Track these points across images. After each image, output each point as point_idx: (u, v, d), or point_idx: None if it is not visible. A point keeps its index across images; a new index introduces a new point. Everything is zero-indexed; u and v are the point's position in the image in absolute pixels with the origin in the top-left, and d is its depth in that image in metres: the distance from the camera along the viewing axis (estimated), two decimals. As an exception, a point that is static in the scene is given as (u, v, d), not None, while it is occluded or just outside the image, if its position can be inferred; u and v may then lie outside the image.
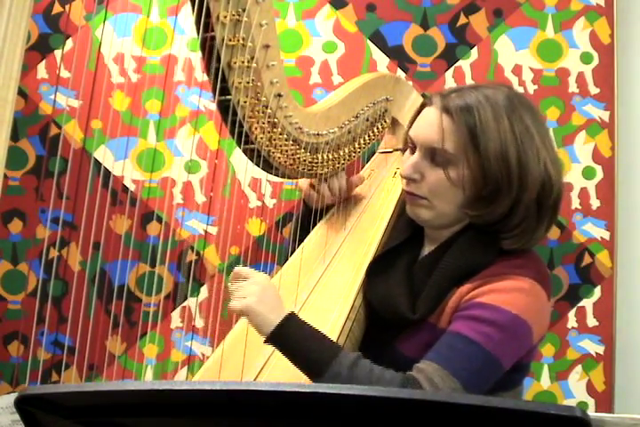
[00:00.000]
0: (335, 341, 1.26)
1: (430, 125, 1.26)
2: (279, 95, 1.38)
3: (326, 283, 1.45)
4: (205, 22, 1.24)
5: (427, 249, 1.36)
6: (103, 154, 2.07)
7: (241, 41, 1.28)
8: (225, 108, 1.33)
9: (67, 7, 2.09)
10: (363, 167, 1.82)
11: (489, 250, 1.26)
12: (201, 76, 2.07)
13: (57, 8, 2.09)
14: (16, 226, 2.07)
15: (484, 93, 1.25)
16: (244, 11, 1.27)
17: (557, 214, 1.29)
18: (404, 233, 1.40)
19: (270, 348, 1.30)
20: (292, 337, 1.17)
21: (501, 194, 1.22)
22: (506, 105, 1.24)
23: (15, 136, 2.07)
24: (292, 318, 1.19)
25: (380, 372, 1.15)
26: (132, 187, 2.08)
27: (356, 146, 1.64)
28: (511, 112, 1.23)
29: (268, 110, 1.37)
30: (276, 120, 1.40)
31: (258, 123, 1.37)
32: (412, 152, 1.30)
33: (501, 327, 1.17)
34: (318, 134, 1.50)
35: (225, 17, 1.25)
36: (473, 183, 1.24)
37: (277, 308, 1.20)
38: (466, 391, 1.11)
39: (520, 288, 1.21)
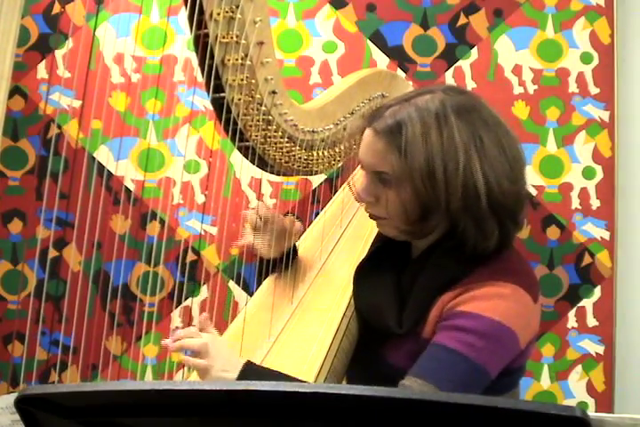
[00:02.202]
0: (332, 338, 1.26)
1: (367, 149, 1.25)
2: (274, 92, 1.37)
3: (323, 280, 1.45)
4: (198, 19, 1.23)
5: (414, 253, 1.35)
6: (102, 154, 2.07)
7: (234, 38, 1.27)
8: (219, 106, 1.33)
9: (67, 7, 2.09)
10: (358, 164, 1.82)
11: (466, 259, 1.24)
12: (201, 75, 2.07)
13: (57, 8, 2.09)
14: (16, 226, 2.07)
15: (416, 104, 1.22)
16: (237, 8, 1.26)
17: (519, 211, 1.25)
18: (382, 238, 1.38)
19: (265, 348, 1.30)
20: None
21: (432, 208, 1.21)
22: (437, 114, 1.21)
23: (15, 136, 2.07)
24: (247, 369, 1.16)
25: None
26: (131, 187, 2.08)
27: (352, 142, 1.64)
28: (442, 121, 1.20)
29: (263, 108, 1.37)
30: (270, 117, 1.39)
31: (252, 120, 1.36)
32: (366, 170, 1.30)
33: (483, 335, 1.15)
34: (314, 131, 1.50)
35: (218, 14, 1.24)
36: (411, 201, 1.22)
37: (228, 365, 1.17)
38: None
39: (501, 294, 1.19)
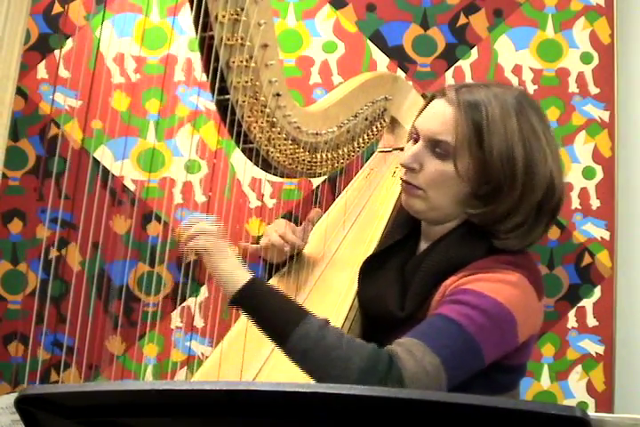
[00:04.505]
0: None
1: (436, 117, 1.25)
2: (278, 94, 1.38)
3: (326, 281, 1.45)
4: (204, 22, 1.24)
5: (422, 247, 1.35)
6: (103, 154, 2.07)
7: (239, 40, 1.28)
8: (224, 108, 1.33)
9: (67, 7, 2.09)
10: (362, 166, 1.83)
11: (477, 247, 1.24)
12: (201, 75, 2.07)
13: (57, 8, 2.09)
14: (16, 226, 2.07)
15: (493, 92, 1.24)
16: (242, 10, 1.27)
17: (556, 218, 1.28)
18: (400, 232, 1.38)
19: (268, 349, 1.29)
20: (258, 298, 1.13)
21: (502, 193, 1.21)
22: (514, 105, 1.23)
23: (15, 136, 2.07)
24: (257, 279, 1.16)
25: (351, 338, 1.12)
26: (131, 187, 2.08)
27: (355, 145, 1.64)
28: (519, 113, 1.23)
29: (267, 110, 1.37)
30: (274, 119, 1.40)
31: (257, 122, 1.37)
32: (415, 143, 1.29)
33: (485, 312, 1.14)
34: (317, 134, 1.50)
35: (223, 16, 1.25)
36: (471, 179, 1.23)
37: (239, 265, 1.16)
38: (444, 371, 1.08)
39: (507, 280, 1.19)
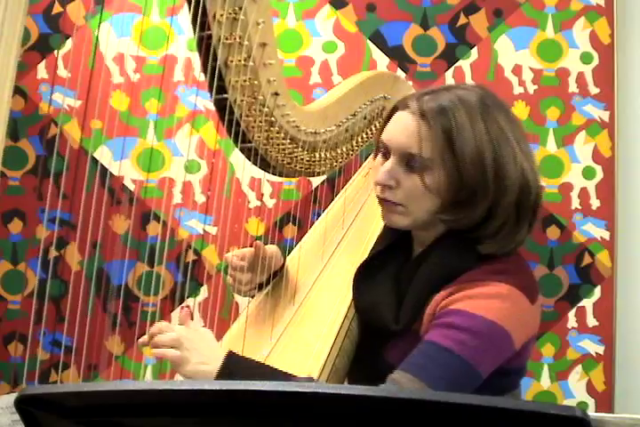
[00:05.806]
0: (334, 338, 1.26)
1: (405, 130, 1.22)
2: (276, 94, 1.38)
3: (325, 281, 1.45)
4: (202, 21, 1.24)
5: (416, 252, 1.34)
6: (102, 154, 2.07)
7: (238, 39, 1.28)
8: (222, 107, 1.33)
9: (67, 7, 2.09)
10: (360, 166, 1.83)
11: (467, 256, 1.23)
12: (200, 75, 2.07)
13: (57, 8, 2.09)
14: (16, 226, 2.07)
15: (456, 94, 1.22)
16: (240, 9, 1.26)
17: (537, 217, 1.26)
18: (390, 237, 1.37)
19: (268, 348, 1.29)
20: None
21: (477, 198, 1.20)
22: (479, 106, 1.21)
23: (15, 136, 2.07)
24: (229, 361, 1.14)
25: None
26: (131, 187, 2.08)
27: (354, 144, 1.64)
28: (485, 113, 1.21)
29: (265, 109, 1.37)
30: (273, 119, 1.39)
31: (255, 121, 1.37)
32: (385, 157, 1.26)
33: (476, 334, 1.14)
34: (316, 133, 1.50)
35: (221, 15, 1.25)
36: (449, 188, 1.21)
37: (207, 357, 1.15)
38: None
39: (496, 294, 1.18)
